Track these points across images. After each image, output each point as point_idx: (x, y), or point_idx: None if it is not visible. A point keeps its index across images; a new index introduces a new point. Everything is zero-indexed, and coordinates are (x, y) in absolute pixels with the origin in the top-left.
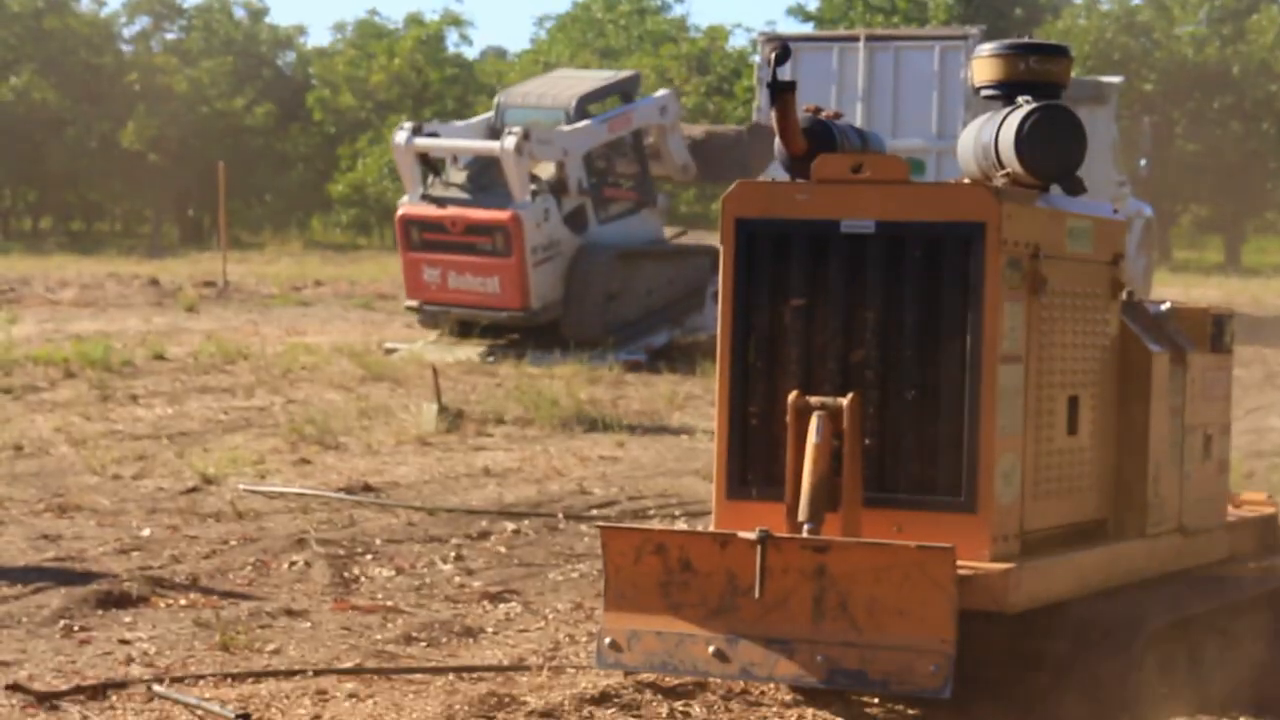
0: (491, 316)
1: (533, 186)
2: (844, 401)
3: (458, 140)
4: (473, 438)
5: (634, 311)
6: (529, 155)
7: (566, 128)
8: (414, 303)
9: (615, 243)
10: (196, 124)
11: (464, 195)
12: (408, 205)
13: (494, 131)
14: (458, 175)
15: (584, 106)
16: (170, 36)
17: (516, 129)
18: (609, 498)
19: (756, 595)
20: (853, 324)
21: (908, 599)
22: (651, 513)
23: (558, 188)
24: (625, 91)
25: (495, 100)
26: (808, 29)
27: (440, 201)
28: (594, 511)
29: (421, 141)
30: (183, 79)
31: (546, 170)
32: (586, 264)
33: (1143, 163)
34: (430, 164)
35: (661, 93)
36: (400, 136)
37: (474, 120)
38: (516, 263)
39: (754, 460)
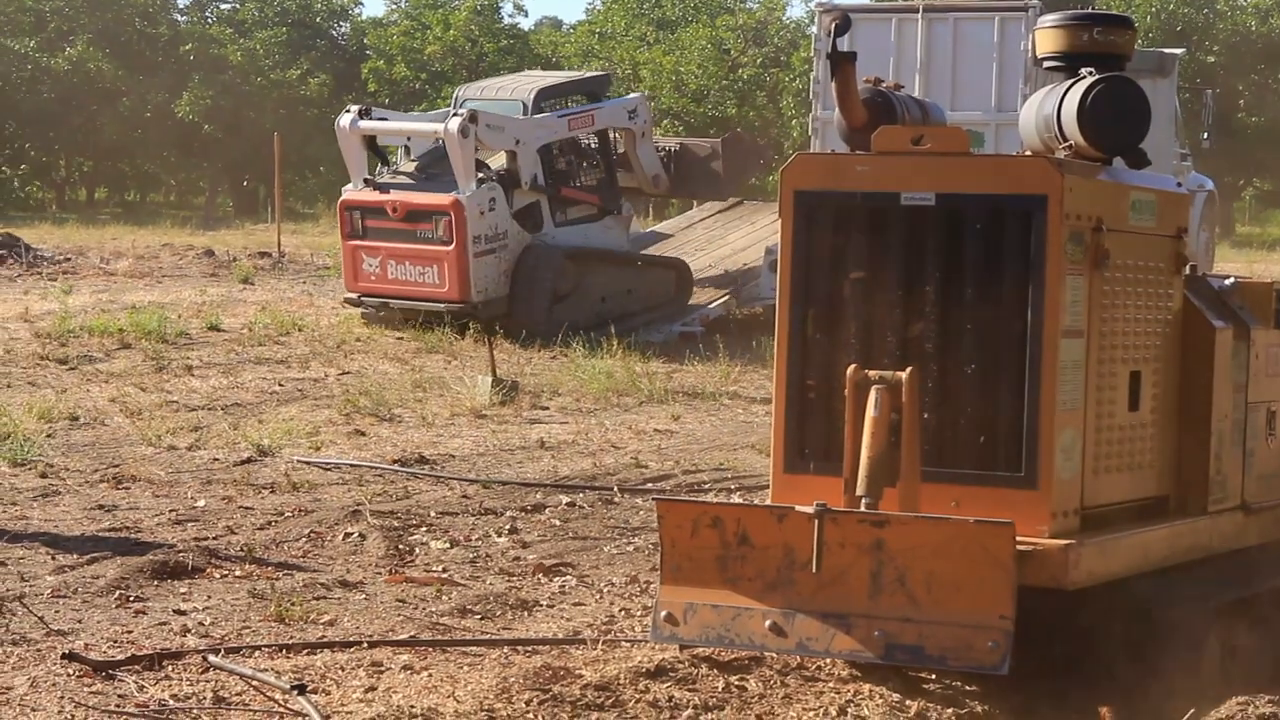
0: (430, 308)
1: (480, 175)
2: (903, 375)
3: (403, 122)
4: (528, 410)
5: (585, 317)
6: (475, 139)
7: (521, 117)
8: (353, 295)
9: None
10: (251, 95)
11: (410, 183)
12: (350, 191)
13: None
14: (408, 166)
15: (543, 101)
16: (225, 7)
17: (464, 110)
18: (664, 471)
19: (814, 569)
20: (912, 297)
21: (966, 574)
22: (707, 486)
23: (508, 179)
24: (591, 91)
25: (454, 94)
26: (866, 0)
27: (384, 188)
28: (649, 485)
29: (367, 124)
30: (237, 50)
31: (500, 164)
32: (534, 260)
33: (1204, 136)
34: (379, 152)
35: (632, 96)
36: (345, 119)
37: (431, 114)
38: (457, 251)
39: (811, 434)
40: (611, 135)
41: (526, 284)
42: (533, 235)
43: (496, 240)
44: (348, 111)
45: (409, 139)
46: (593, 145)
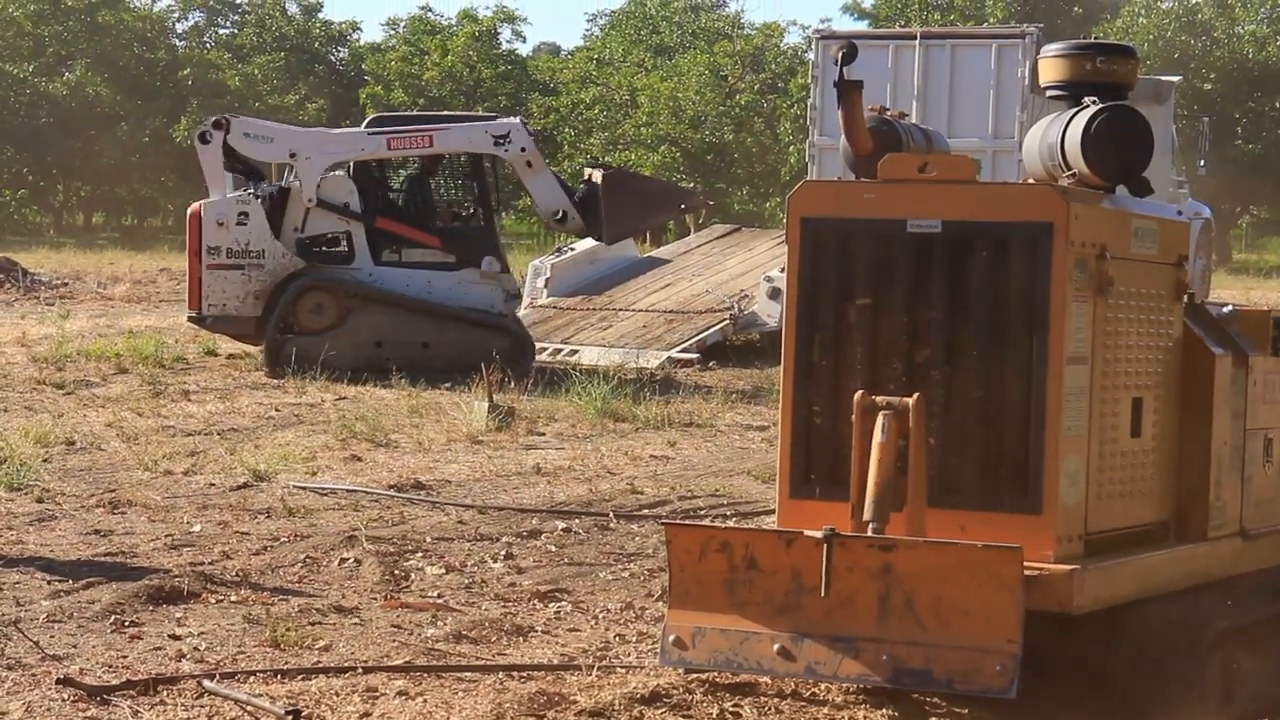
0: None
1: (249, 188)
2: (910, 401)
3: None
4: (524, 436)
5: (349, 358)
6: (221, 145)
7: (300, 129)
8: (194, 313)
9: (391, 289)
10: None
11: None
12: (199, 204)
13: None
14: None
15: (378, 126)
16: (223, 32)
17: (214, 118)
18: (660, 497)
19: (822, 594)
20: (918, 324)
21: (974, 599)
22: (703, 513)
23: (280, 197)
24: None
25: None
26: (863, 26)
27: None
28: (645, 511)
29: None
30: (236, 75)
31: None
32: (285, 286)
33: (1201, 163)
34: (250, 171)
35: (505, 120)
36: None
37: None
38: (190, 260)
39: (818, 459)
40: (487, 167)
41: (272, 309)
42: (343, 268)
43: (246, 257)
44: (205, 123)
45: (292, 155)
46: (456, 179)
